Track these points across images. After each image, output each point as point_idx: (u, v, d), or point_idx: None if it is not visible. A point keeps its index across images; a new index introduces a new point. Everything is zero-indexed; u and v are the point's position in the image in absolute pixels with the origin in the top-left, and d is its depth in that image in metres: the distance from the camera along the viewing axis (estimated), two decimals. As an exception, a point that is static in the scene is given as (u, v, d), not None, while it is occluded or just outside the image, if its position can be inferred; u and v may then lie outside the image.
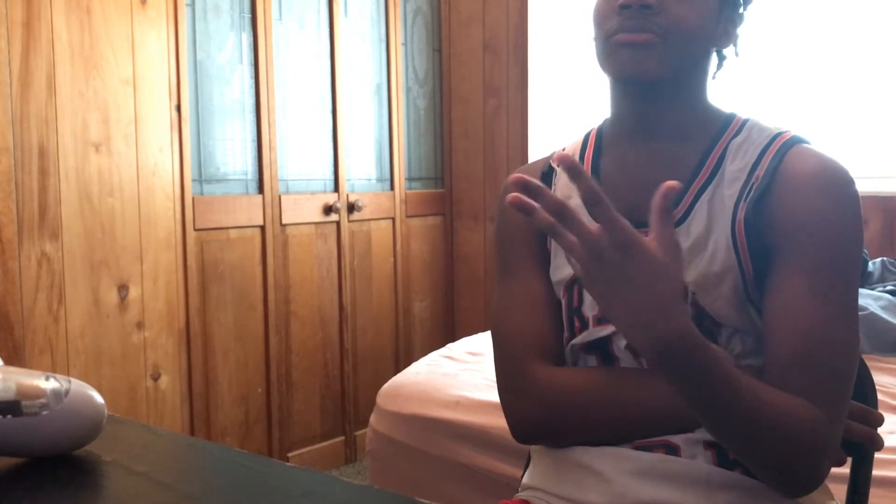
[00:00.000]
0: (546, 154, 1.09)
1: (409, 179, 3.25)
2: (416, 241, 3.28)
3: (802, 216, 0.84)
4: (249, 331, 2.63)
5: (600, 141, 1.00)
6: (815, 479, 0.81)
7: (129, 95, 2.24)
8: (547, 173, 1.03)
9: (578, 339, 0.95)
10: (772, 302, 0.85)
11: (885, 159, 2.58)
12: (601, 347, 0.94)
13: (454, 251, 3.44)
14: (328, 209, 2.86)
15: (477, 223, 3.37)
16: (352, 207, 2.94)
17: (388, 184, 3.14)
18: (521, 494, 1.02)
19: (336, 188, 2.91)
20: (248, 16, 2.60)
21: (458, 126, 3.40)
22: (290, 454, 2.76)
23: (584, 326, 0.95)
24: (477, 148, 3.35)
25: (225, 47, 2.53)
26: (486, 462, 1.76)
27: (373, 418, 2.03)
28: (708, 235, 0.89)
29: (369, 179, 3.07)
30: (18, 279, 2.02)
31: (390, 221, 3.14)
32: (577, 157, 1.01)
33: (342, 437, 2.97)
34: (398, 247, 3.17)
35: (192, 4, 2.43)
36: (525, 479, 1.04)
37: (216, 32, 2.50)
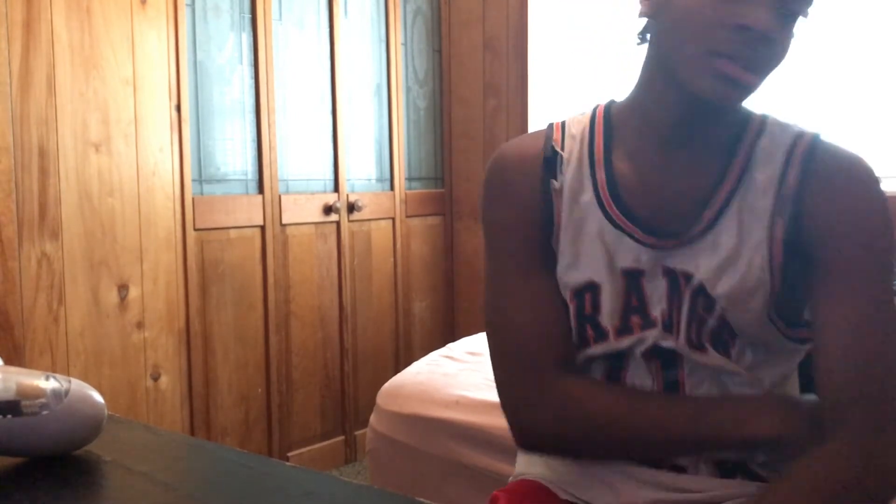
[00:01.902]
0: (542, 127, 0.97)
1: (409, 179, 3.25)
2: (416, 241, 3.28)
3: (843, 226, 0.82)
4: (249, 331, 2.63)
5: (609, 131, 0.92)
6: None
7: (129, 95, 2.24)
8: (550, 158, 0.92)
9: (597, 350, 0.91)
10: (822, 319, 0.82)
11: (885, 159, 2.58)
12: (615, 357, 0.91)
13: (454, 251, 3.44)
14: (328, 209, 2.86)
15: (477, 223, 3.37)
16: (352, 207, 2.94)
17: (388, 184, 3.14)
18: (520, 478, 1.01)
19: (336, 188, 2.91)
20: (248, 16, 2.60)
21: (458, 126, 3.40)
22: (290, 454, 2.76)
23: (601, 336, 0.90)
24: (477, 148, 3.35)
25: (225, 47, 2.53)
26: (486, 462, 1.76)
27: (373, 418, 2.03)
28: (740, 249, 0.85)
29: (369, 179, 3.07)
30: (18, 279, 2.02)
31: (390, 221, 3.14)
32: (585, 146, 0.92)
33: (342, 437, 2.97)
34: (398, 247, 3.17)
35: (192, 4, 2.42)
36: (520, 468, 1.03)
37: (216, 32, 2.50)
